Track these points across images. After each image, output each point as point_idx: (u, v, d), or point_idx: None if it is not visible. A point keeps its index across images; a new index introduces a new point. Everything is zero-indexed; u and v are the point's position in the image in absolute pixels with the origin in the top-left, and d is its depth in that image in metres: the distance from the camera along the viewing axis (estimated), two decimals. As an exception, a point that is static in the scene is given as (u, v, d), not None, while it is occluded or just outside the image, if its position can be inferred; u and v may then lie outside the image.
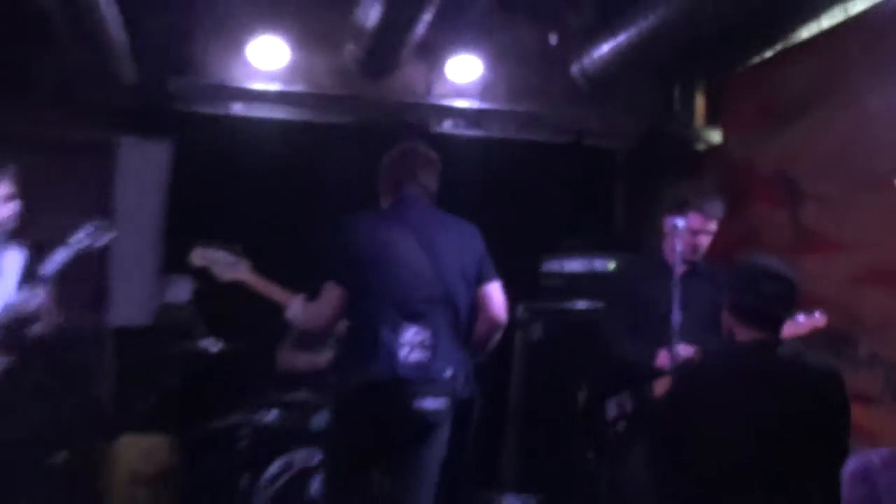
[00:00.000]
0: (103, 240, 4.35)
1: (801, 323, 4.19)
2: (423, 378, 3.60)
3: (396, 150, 3.94)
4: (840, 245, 4.87)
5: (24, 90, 5.56)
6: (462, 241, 3.83)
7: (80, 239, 4.26)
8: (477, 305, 3.84)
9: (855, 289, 4.67)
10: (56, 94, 5.53)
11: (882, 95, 4.59)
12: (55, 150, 5.60)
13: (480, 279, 3.83)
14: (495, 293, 3.84)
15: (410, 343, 3.59)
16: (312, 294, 3.77)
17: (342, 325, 3.85)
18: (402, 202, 3.83)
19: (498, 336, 3.87)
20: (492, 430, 5.56)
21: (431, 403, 3.62)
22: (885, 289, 4.53)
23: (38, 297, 4.28)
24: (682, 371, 3.65)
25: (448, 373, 3.62)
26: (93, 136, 5.70)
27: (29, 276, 4.31)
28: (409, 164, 3.91)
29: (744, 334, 3.18)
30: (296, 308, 3.90)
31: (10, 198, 4.30)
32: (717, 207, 4.23)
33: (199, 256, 4.14)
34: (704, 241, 4.25)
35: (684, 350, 3.97)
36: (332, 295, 3.68)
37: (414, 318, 3.61)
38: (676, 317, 3.86)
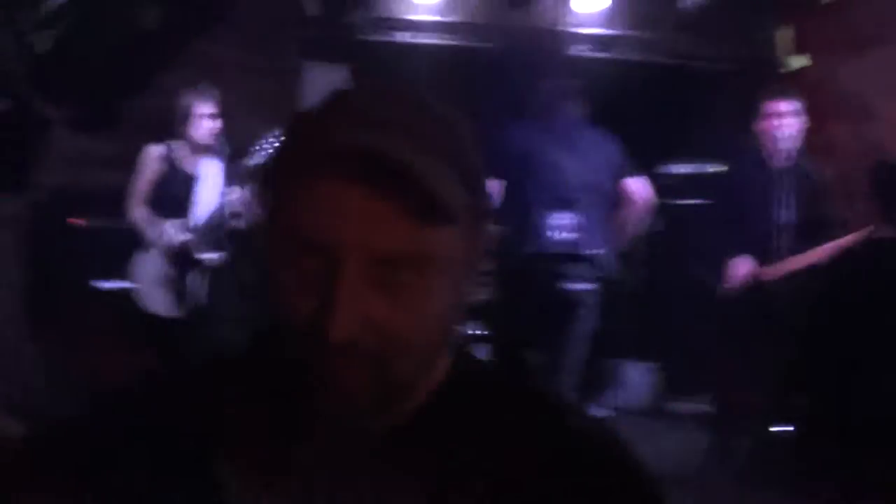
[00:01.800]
0: None
1: None
2: (571, 256, 4.27)
3: (548, 81, 4.67)
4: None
5: (221, 21, 6.25)
6: (602, 144, 4.50)
7: (272, 143, 4.68)
8: (621, 197, 4.56)
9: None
10: (249, 24, 6.24)
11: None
12: (246, 74, 6.24)
13: (622, 174, 4.54)
14: (636, 185, 4.50)
15: (561, 225, 4.25)
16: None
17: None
18: (552, 117, 4.57)
19: (641, 223, 4.51)
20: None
21: (580, 283, 4.24)
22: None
23: (238, 193, 4.72)
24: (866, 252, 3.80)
25: (595, 252, 4.23)
26: (281, 62, 6.43)
27: (228, 180, 4.76)
28: (558, 91, 4.68)
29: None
30: None
31: (213, 117, 4.79)
32: (787, 90, 4.70)
33: None
34: (791, 123, 4.55)
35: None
36: (491, 188, 4.43)
37: (564, 204, 4.26)
38: (780, 214, 4.29)
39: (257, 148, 4.75)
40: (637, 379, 6.05)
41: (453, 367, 1.05)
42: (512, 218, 4.36)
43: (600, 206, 4.44)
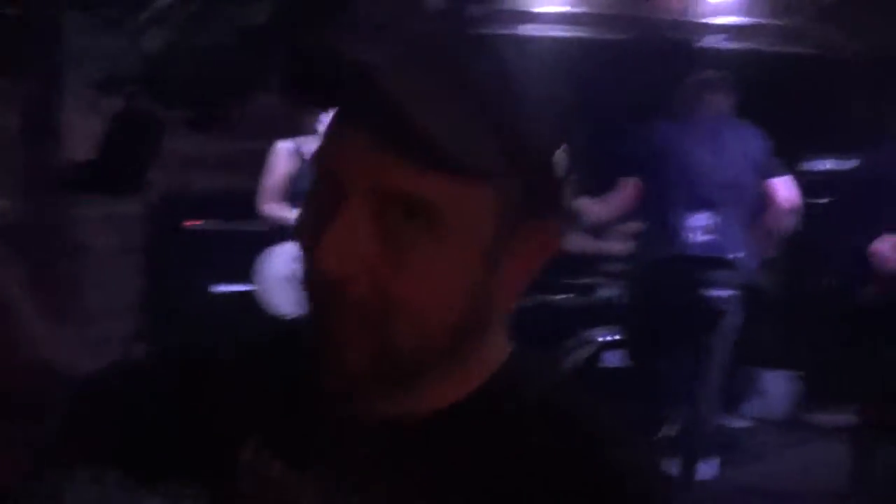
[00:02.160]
0: None
1: None
2: (711, 259, 4.13)
3: (693, 76, 4.47)
4: None
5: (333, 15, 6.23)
6: (747, 140, 4.34)
7: None
8: (766, 198, 4.36)
9: None
10: (364, 18, 6.22)
11: None
12: None
13: (767, 174, 4.34)
14: (782, 186, 4.33)
15: (699, 227, 4.11)
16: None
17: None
18: (693, 113, 4.40)
19: (787, 226, 4.33)
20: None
21: (719, 288, 4.08)
22: None
23: None
24: None
25: (735, 256, 4.07)
26: None
27: None
28: (700, 87, 4.48)
29: None
30: (590, 211, 4.54)
31: None
32: None
33: None
34: None
35: None
36: (628, 188, 4.28)
37: (703, 205, 4.11)
38: None
39: None
40: (777, 388, 5.90)
41: (497, 374, 0.94)
42: (649, 218, 4.31)
43: (743, 206, 4.32)
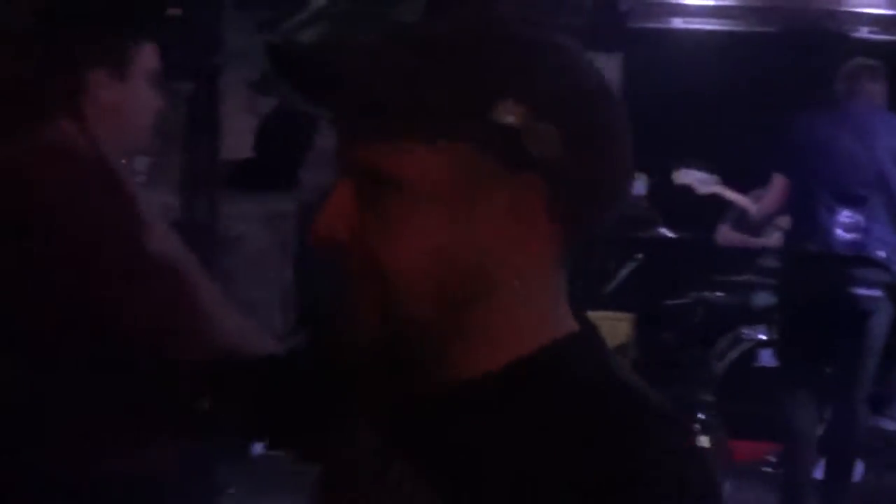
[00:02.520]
0: None
1: None
2: (860, 258, 4.13)
3: (849, 63, 4.40)
4: None
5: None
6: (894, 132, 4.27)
7: None
8: None
9: None
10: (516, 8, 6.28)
11: None
12: None
13: None
14: None
15: (845, 224, 4.01)
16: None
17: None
18: (846, 104, 4.36)
19: None
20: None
21: (866, 290, 4.00)
22: None
23: None
24: None
25: (882, 254, 4.00)
26: None
27: None
28: (856, 74, 4.42)
29: None
30: (753, 209, 4.54)
31: None
32: None
33: (682, 176, 4.90)
34: None
35: None
36: (778, 186, 4.25)
37: (849, 201, 4.02)
38: None
39: None
40: None
41: (547, 348, 0.90)
42: (796, 214, 4.22)
43: (891, 202, 4.20)
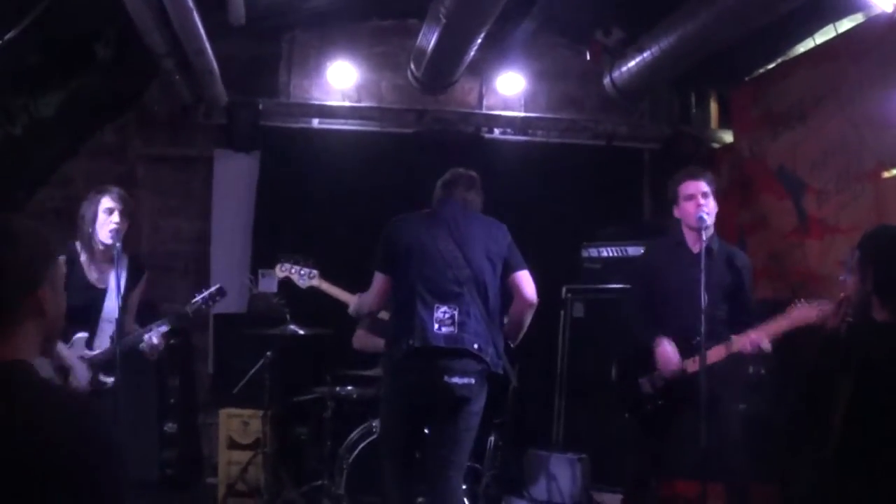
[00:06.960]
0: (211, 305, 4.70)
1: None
2: (452, 349, 4.14)
3: (447, 172, 4.58)
4: (838, 229, 5.31)
5: (138, 115, 6.43)
6: (489, 235, 4.35)
7: (194, 304, 4.63)
8: (509, 292, 4.49)
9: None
10: (164, 116, 6.43)
11: (867, 101, 5.05)
12: (166, 163, 6.49)
13: (511, 268, 4.44)
14: (524, 279, 4.37)
15: (441, 319, 4.18)
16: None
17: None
18: (440, 207, 4.52)
19: (529, 317, 4.40)
20: (544, 396, 6.20)
21: (461, 379, 4.14)
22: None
23: (151, 342, 4.46)
24: (824, 343, 3.37)
25: (476, 346, 4.15)
26: (193, 151, 6.55)
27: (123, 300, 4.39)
28: (453, 181, 4.63)
29: (883, 315, 2.96)
30: (354, 304, 4.66)
31: (111, 212, 4.42)
32: (699, 172, 4.54)
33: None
34: (705, 204, 4.42)
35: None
36: (378, 283, 4.39)
37: (445, 298, 4.20)
38: (702, 297, 4.09)
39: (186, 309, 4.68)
40: (565, 470, 5.87)
41: None
42: (399, 310, 4.30)
43: (482, 297, 4.35)
